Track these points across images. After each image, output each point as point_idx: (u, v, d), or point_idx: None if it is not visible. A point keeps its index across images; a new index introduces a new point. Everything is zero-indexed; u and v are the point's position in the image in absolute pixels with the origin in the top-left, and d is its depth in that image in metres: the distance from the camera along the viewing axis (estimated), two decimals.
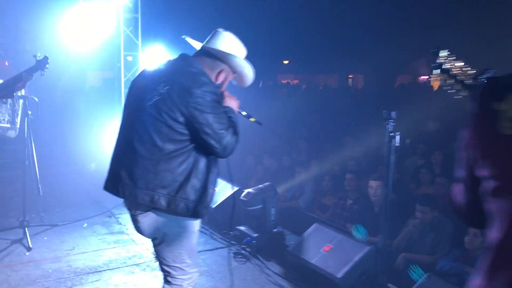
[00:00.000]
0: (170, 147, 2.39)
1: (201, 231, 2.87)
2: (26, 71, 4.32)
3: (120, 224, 5.58)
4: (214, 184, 2.58)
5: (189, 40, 2.85)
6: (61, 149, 8.14)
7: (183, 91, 2.40)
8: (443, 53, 1.60)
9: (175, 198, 2.43)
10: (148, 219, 2.49)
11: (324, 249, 3.98)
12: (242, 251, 4.56)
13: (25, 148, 4.80)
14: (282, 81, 26.32)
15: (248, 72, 2.72)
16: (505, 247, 1.25)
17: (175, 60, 2.62)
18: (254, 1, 15.82)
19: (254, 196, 4.64)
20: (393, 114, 3.45)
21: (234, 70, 2.70)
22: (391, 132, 3.47)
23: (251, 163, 7.97)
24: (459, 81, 1.59)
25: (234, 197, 4.37)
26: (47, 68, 4.41)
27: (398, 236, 5.15)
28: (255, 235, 4.64)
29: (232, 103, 2.70)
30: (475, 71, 1.58)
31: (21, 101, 4.78)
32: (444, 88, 1.66)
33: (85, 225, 5.48)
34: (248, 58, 2.68)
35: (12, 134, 4.85)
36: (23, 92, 4.82)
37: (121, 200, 2.50)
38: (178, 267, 2.61)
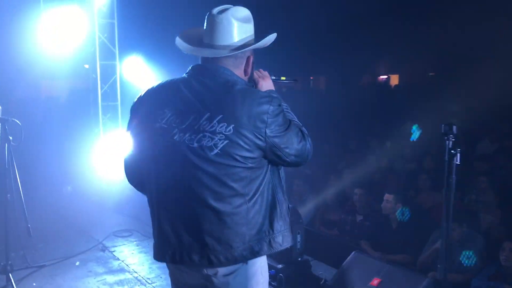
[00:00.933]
0: (252, 187, 1.93)
1: None
2: None
3: (118, 259, 4.91)
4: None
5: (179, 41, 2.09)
6: (30, 169, 7.31)
7: (254, 123, 1.87)
8: None
9: (273, 235, 2.02)
10: (239, 277, 2.01)
11: (372, 283, 3.56)
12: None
13: (6, 180, 4.09)
14: None
15: (270, 40, 2.11)
16: None
17: (200, 81, 1.97)
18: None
19: None
20: (454, 128, 3.07)
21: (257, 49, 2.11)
22: (452, 149, 3.09)
23: None
24: None
25: None
26: None
27: (422, 253, 4.82)
28: (280, 266, 4.16)
29: (268, 82, 2.17)
30: None
31: None
32: None
33: (78, 263, 4.78)
34: None
35: None
36: None
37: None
38: None
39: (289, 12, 17.31)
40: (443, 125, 3.08)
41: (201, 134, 1.88)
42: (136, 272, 4.47)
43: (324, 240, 5.56)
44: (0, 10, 7.02)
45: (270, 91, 2.08)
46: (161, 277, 4.33)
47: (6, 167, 4.03)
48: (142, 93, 2.09)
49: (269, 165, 1.99)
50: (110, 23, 7.04)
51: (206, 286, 2.04)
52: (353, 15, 18.39)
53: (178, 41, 2.08)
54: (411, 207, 5.43)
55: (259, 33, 2.14)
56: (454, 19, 16.56)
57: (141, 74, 6.95)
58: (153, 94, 2.06)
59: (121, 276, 4.50)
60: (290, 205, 2.15)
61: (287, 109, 2.07)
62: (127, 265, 4.72)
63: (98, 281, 4.39)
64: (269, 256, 4.34)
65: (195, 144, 1.89)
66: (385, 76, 26.75)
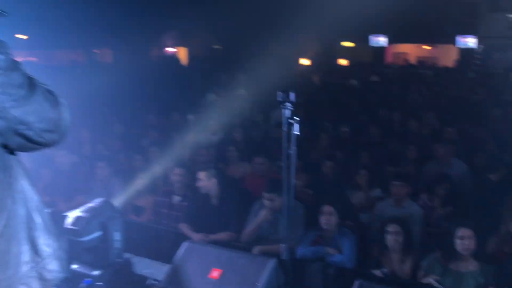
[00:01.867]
0: None
1: None
2: None
3: None
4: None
5: None
6: None
7: None
8: None
9: (43, 262, 1.35)
10: None
11: (212, 275, 3.14)
12: None
13: None
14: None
15: None
16: None
17: None
18: None
19: (88, 222, 3.40)
20: (292, 95, 2.81)
21: None
22: (290, 118, 2.83)
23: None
24: None
25: None
26: None
27: (246, 228, 4.65)
28: (96, 272, 3.44)
29: None
30: None
31: None
32: None
33: None
34: None
35: None
36: None
37: None
38: None
39: None
40: (279, 92, 2.80)
41: None
42: None
43: (147, 231, 4.97)
44: None
45: None
46: None
47: None
48: None
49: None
50: None
51: None
52: None
53: None
54: (224, 181, 5.22)
55: None
56: None
57: None
58: None
59: None
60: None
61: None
62: None
63: None
64: (79, 261, 3.62)
65: None
66: (173, 49, 26.58)
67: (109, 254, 3.54)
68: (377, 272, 4.10)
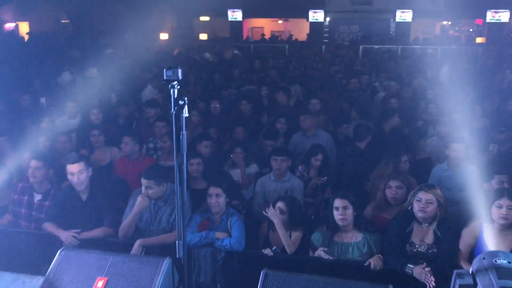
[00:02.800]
0: None
1: None
2: None
3: None
4: None
5: None
6: None
7: None
8: None
9: None
10: None
11: (96, 286, 2.69)
12: None
13: None
14: None
15: None
16: None
17: None
18: None
19: None
20: (179, 73, 2.45)
21: None
22: (180, 100, 2.48)
23: None
24: None
25: None
26: None
27: (123, 222, 4.23)
28: None
29: None
30: None
31: None
32: None
33: None
34: None
35: None
36: None
37: None
38: None
39: None
40: (166, 70, 2.44)
41: None
42: None
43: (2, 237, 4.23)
44: None
45: None
46: None
47: None
48: None
49: None
50: None
51: None
52: None
53: None
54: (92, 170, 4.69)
55: None
56: None
57: None
58: None
59: None
60: None
61: None
62: None
63: None
64: None
65: None
66: (13, 24, 23.70)
67: None
68: (267, 251, 4.03)
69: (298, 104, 8.43)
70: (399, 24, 22.39)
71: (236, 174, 5.61)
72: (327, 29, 23.95)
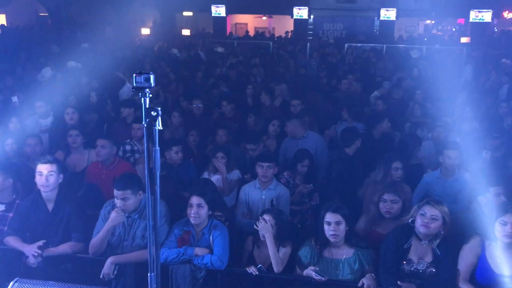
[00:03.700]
0: None
1: None
2: None
3: None
4: None
5: None
6: None
7: None
8: None
9: None
10: None
11: None
12: None
13: None
14: None
15: None
16: None
17: None
18: None
19: None
20: (152, 79, 2.09)
21: None
22: (153, 110, 2.11)
23: None
24: None
25: None
26: None
27: (94, 237, 3.86)
28: None
29: None
30: None
31: None
32: None
33: None
34: None
35: None
36: None
37: None
38: None
39: None
40: (136, 75, 2.09)
41: None
42: None
43: None
44: None
45: None
46: None
47: None
48: None
49: None
50: None
51: None
52: None
53: None
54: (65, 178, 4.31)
55: None
56: None
57: None
58: None
59: None
60: None
61: None
62: None
63: None
64: None
65: None
66: None
67: None
68: (252, 270, 3.71)
69: (284, 104, 8.12)
70: (383, 22, 22.25)
71: (217, 180, 5.27)
72: (311, 26, 23.71)
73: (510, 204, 3.39)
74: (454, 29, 26.58)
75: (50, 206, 3.99)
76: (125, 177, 3.90)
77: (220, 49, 14.52)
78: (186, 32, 20.75)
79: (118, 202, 3.76)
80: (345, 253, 3.66)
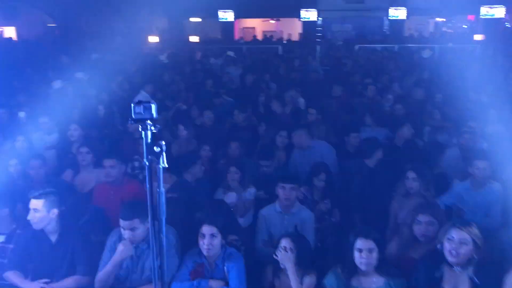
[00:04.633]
0: None
1: None
2: None
3: None
4: None
5: None
6: None
7: None
8: None
9: None
10: None
11: None
12: None
13: None
14: None
15: None
16: None
17: None
18: None
19: None
20: (154, 109, 1.80)
21: None
22: (156, 146, 1.82)
23: None
24: None
25: None
26: None
27: (100, 269, 3.57)
28: None
29: None
30: None
31: None
32: None
33: None
34: None
35: None
36: None
37: None
38: None
39: None
40: (134, 104, 1.82)
41: None
42: None
43: None
44: None
45: None
46: None
47: None
48: None
49: None
50: None
51: None
52: None
53: None
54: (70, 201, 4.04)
55: None
56: None
57: None
58: None
59: None
60: None
61: None
62: None
63: None
64: None
65: None
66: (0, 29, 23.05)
67: None
68: None
69: (296, 112, 7.78)
70: (393, 22, 21.84)
71: (231, 197, 4.96)
72: (320, 28, 23.37)
73: None
74: (465, 26, 26.05)
75: (53, 238, 3.70)
76: (132, 204, 3.59)
77: (231, 53, 14.26)
78: (194, 38, 20.54)
79: (125, 233, 3.46)
80: (375, 282, 3.32)
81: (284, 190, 4.26)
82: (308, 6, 22.18)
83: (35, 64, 13.19)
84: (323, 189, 4.96)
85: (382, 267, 3.31)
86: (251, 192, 4.94)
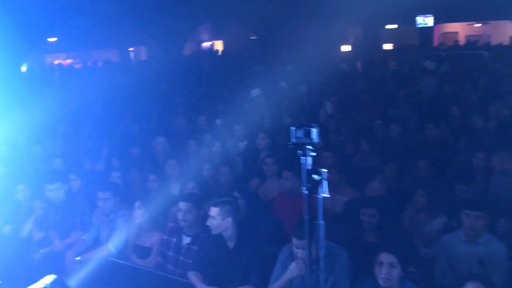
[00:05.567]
0: None
1: None
2: None
3: None
4: None
5: None
6: None
7: None
8: None
9: None
10: None
11: None
12: None
13: None
14: (54, 62, 22.46)
15: None
16: None
17: None
18: None
19: None
20: (314, 134, 1.68)
21: None
22: (313, 172, 1.71)
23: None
24: None
25: None
26: None
27: (271, 283, 3.56)
28: None
29: None
30: None
31: None
32: None
33: None
34: None
35: None
36: None
37: None
38: None
39: None
40: (293, 128, 1.68)
41: None
42: None
43: (149, 279, 3.99)
44: None
45: None
46: None
47: None
48: None
49: None
50: None
51: None
52: None
53: None
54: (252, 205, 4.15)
55: None
56: None
57: None
58: None
59: None
60: None
61: None
62: None
63: None
64: None
65: None
66: (209, 43, 25.81)
67: None
68: None
69: (501, 128, 6.79)
70: None
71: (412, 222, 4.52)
72: None
73: None
74: None
75: (230, 244, 3.86)
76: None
77: (428, 64, 12.99)
78: (388, 46, 19.85)
79: (298, 252, 3.40)
80: None
81: (468, 218, 3.77)
82: None
83: (235, 74, 14.32)
84: None
85: None
86: (440, 221, 4.41)
